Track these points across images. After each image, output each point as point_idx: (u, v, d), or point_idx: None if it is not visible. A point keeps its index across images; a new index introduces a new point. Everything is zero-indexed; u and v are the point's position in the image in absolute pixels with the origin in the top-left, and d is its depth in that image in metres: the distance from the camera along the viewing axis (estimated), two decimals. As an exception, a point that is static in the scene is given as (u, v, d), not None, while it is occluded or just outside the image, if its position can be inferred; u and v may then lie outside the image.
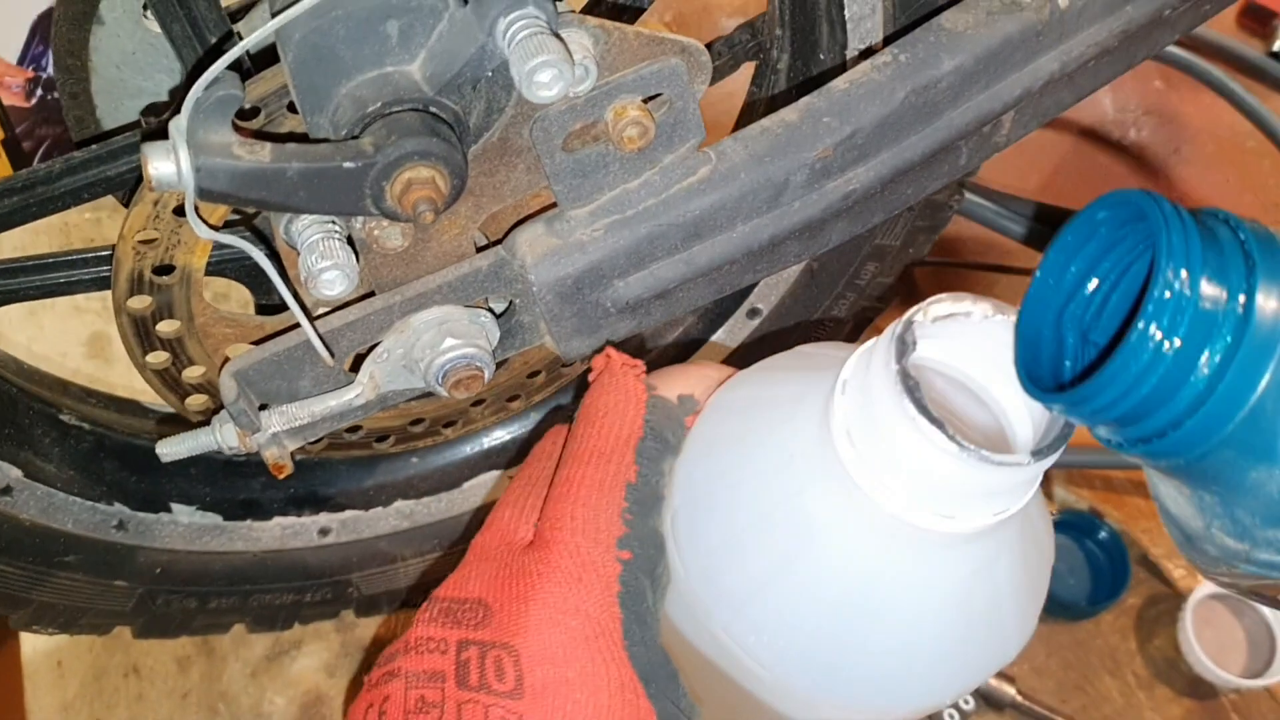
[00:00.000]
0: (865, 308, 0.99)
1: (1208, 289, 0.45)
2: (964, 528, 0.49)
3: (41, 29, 1.31)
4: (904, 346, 0.48)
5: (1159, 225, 0.46)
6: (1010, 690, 1.08)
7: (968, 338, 0.52)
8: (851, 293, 0.96)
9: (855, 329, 1.02)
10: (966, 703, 1.06)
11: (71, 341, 1.17)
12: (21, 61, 1.31)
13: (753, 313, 0.95)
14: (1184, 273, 0.45)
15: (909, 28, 0.73)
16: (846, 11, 0.77)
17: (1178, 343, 0.44)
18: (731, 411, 0.59)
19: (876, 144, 0.69)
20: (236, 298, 0.88)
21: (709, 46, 0.97)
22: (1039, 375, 0.50)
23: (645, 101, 0.62)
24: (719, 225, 0.67)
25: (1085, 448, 1.23)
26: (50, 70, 1.30)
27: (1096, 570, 1.15)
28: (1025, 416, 0.53)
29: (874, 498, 0.49)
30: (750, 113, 0.94)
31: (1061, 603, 1.13)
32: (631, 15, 0.74)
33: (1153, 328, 0.44)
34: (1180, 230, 0.46)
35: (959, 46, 0.68)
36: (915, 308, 0.50)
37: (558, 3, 0.62)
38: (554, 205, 0.67)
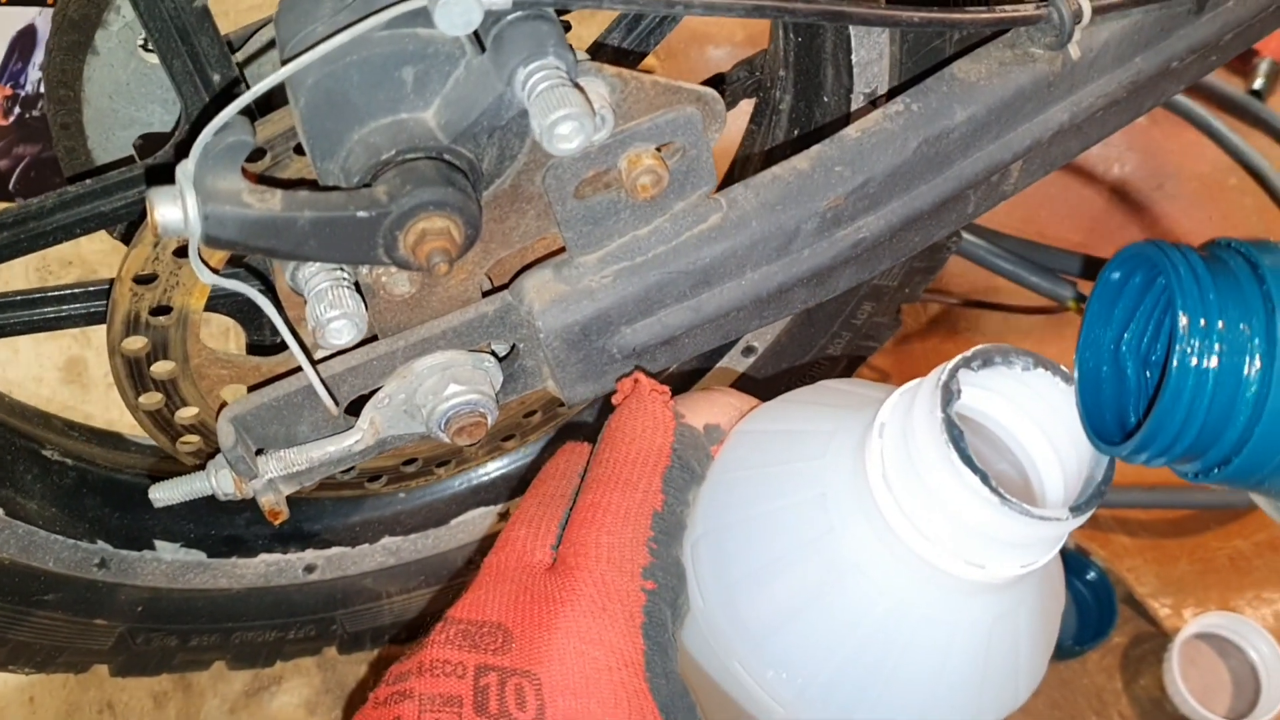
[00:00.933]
0: (860, 346, 0.99)
1: (1230, 320, 0.48)
2: (993, 577, 0.49)
3: (21, 45, 1.28)
4: (949, 394, 0.48)
5: (1169, 273, 0.49)
6: (996, 731, 1.07)
7: (1005, 387, 0.52)
8: (847, 332, 0.96)
9: (849, 367, 1.01)
10: (953, 743, 1.06)
11: (47, 366, 1.15)
12: (4, 79, 1.29)
13: (748, 350, 0.94)
14: (1202, 318, 0.47)
15: (917, 75, 0.73)
16: (854, 56, 0.76)
17: (1213, 362, 0.47)
18: (759, 443, 0.58)
19: (888, 193, 0.68)
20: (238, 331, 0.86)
21: (707, 84, 0.97)
22: (1105, 430, 0.51)
23: (658, 149, 0.62)
24: (728, 273, 0.66)
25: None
26: (29, 87, 1.28)
27: (1083, 609, 1.15)
28: (1057, 472, 0.53)
29: (908, 542, 0.49)
30: (748, 149, 0.93)
31: (1048, 642, 1.13)
32: (635, 59, 0.73)
33: (1188, 361, 0.47)
34: (1190, 274, 0.48)
35: (972, 97, 0.67)
36: (961, 356, 0.50)
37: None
38: (560, 250, 0.66)
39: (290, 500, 0.91)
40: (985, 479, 0.46)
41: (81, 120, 0.76)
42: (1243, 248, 0.50)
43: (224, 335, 1.03)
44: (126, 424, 0.80)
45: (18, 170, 1.31)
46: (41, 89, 1.25)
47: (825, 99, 0.81)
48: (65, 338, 1.17)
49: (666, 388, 0.61)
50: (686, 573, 0.56)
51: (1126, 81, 0.72)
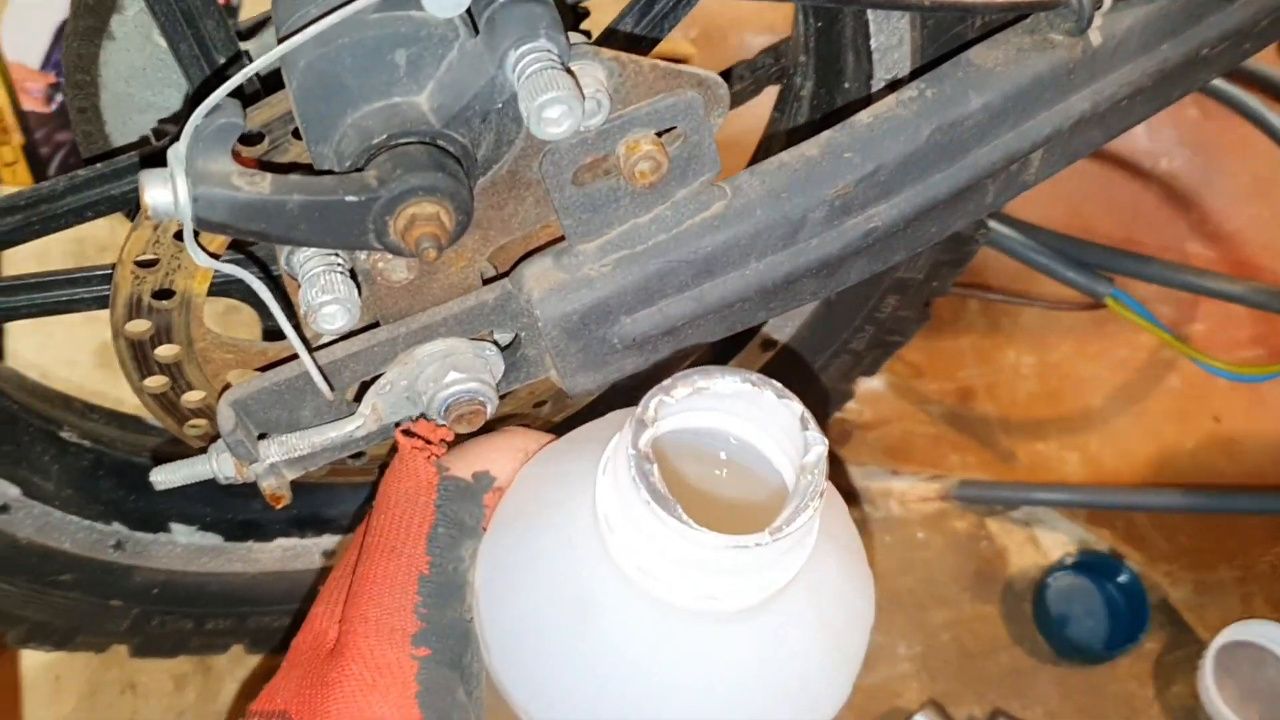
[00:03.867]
0: (885, 341, 0.97)
1: None
2: (733, 605, 0.48)
3: (63, 35, 1.30)
4: (641, 427, 0.47)
5: None
6: (1023, 734, 1.05)
7: (735, 406, 0.51)
8: (871, 325, 0.94)
9: (873, 363, 1.00)
10: (977, 746, 1.04)
11: (81, 351, 1.16)
12: (43, 66, 1.30)
13: (767, 344, 0.93)
14: None
15: (938, 59, 0.71)
16: (872, 41, 0.75)
17: None
18: (525, 488, 0.58)
19: (900, 181, 0.66)
20: (248, 315, 0.87)
21: (731, 70, 0.95)
22: None
23: (660, 135, 0.61)
24: (732, 262, 0.65)
25: (1105, 487, 1.20)
26: (69, 74, 1.29)
27: (1114, 613, 1.12)
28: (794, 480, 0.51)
29: (638, 582, 0.48)
30: (771, 138, 0.92)
31: (1077, 646, 1.10)
32: (649, 45, 0.72)
33: None
34: None
35: (988, 84, 0.66)
36: (658, 387, 0.49)
37: (577, 33, 0.60)
38: (564, 237, 0.65)
39: (307, 485, 0.92)
40: (671, 509, 0.44)
41: (99, 105, 0.77)
42: None
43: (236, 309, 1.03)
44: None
45: (59, 156, 1.33)
46: (82, 76, 1.26)
47: (846, 85, 0.79)
48: (98, 322, 1.18)
49: (440, 436, 0.60)
50: (478, 622, 0.55)
51: (1152, 69, 0.70)
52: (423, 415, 0.66)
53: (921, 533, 1.17)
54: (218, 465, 0.66)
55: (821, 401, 1.01)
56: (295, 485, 0.91)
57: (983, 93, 0.65)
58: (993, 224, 1.09)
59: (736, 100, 0.95)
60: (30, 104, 1.29)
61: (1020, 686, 1.09)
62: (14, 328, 1.16)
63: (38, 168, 1.31)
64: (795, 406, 0.49)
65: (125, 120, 0.78)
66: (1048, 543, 1.16)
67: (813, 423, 0.49)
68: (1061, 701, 1.09)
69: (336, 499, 0.93)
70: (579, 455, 0.54)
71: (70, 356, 1.15)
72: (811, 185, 0.65)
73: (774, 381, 0.49)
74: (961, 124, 0.65)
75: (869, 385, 1.24)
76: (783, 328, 0.92)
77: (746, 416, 0.51)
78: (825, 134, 0.66)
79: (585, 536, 0.50)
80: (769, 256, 0.66)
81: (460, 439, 0.64)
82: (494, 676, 0.53)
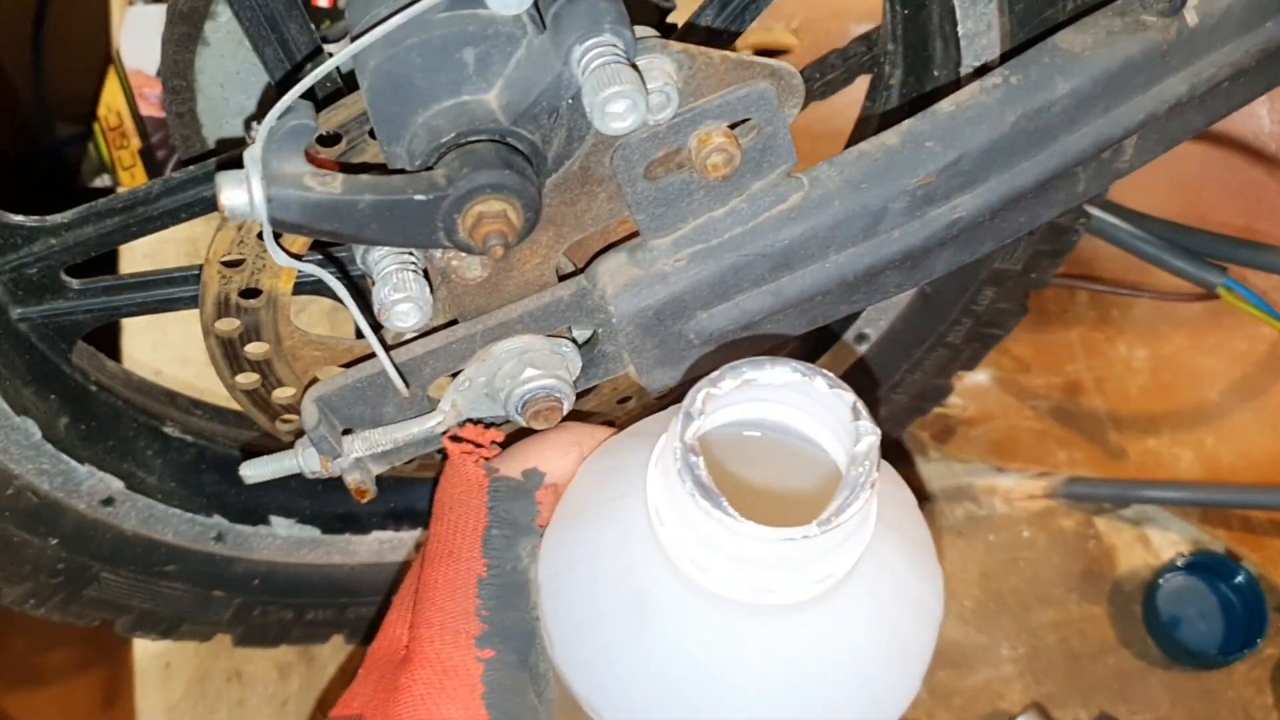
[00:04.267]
0: (983, 334, 0.95)
1: None
2: (789, 598, 0.47)
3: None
4: (687, 420, 0.46)
5: None
6: (1131, 740, 1.02)
7: (786, 396, 0.50)
8: (968, 318, 0.92)
9: (972, 356, 0.97)
10: (1082, 751, 1.01)
11: (194, 348, 1.19)
12: (160, 73, 1.35)
13: (860, 338, 0.91)
14: None
15: (1027, 45, 0.69)
16: (960, 28, 0.73)
17: None
18: (583, 484, 0.58)
19: (984, 170, 0.65)
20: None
21: (825, 58, 0.94)
22: None
23: (733, 127, 0.60)
24: (810, 255, 0.64)
25: (1221, 485, 1.15)
26: (185, 81, 1.34)
27: (1230, 617, 1.08)
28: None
29: (691, 576, 0.47)
30: (863, 128, 0.90)
31: (1190, 650, 1.06)
32: (729, 39, 0.71)
33: None
34: None
35: (1075, 69, 0.63)
36: (704, 379, 0.48)
37: (645, 27, 0.60)
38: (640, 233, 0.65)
39: (401, 480, 0.93)
40: (716, 501, 0.44)
41: (195, 110, 0.79)
42: None
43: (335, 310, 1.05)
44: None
45: (174, 160, 1.37)
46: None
47: (935, 72, 0.77)
48: (210, 320, 1.22)
49: (490, 437, 0.60)
50: (542, 618, 0.55)
51: (1255, 49, 0.67)
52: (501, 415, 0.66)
53: (1027, 531, 1.14)
54: (303, 460, 0.67)
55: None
56: (389, 480, 0.94)
57: (1070, 78, 0.63)
58: (1097, 212, 1.06)
59: (829, 89, 0.94)
60: (148, 109, 1.34)
61: (1128, 690, 1.06)
62: (131, 329, 1.20)
63: (154, 171, 1.36)
64: (847, 396, 0.48)
65: (221, 124, 0.80)
66: (1159, 542, 1.12)
67: (865, 412, 0.48)
68: (1172, 707, 1.05)
69: (430, 492, 0.94)
70: (635, 449, 0.54)
71: (183, 355, 1.19)
72: (892, 175, 0.63)
73: (825, 371, 0.48)
74: (1048, 110, 0.63)
75: (973, 380, 1.21)
76: (877, 321, 0.91)
77: (798, 407, 0.51)
78: (906, 123, 0.64)
79: (640, 531, 0.50)
80: (849, 249, 0.65)
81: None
82: (559, 672, 0.53)
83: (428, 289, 0.59)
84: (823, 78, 0.93)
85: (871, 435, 0.47)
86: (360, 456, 0.67)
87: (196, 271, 0.74)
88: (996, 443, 1.18)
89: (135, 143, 1.35)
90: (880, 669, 0.52)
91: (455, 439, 0.62)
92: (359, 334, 0.76)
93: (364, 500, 0.69)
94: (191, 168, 0.69)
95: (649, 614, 0.50)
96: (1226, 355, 1.23)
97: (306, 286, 0.73)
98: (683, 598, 0.49)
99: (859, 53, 0.92)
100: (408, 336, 0.65)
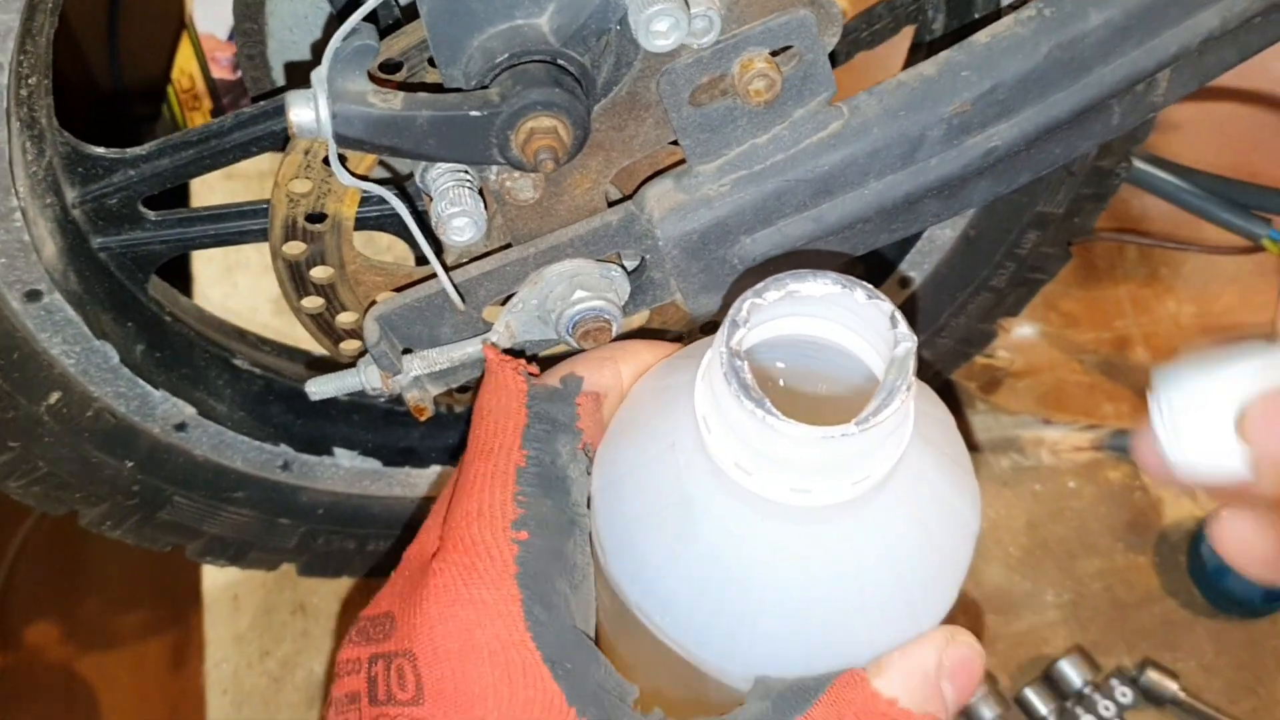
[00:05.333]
0: (1027, 278, 0.96)
1: None
2: (824, 500, 0.49)
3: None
4: (734, 328, 0.49)
5: None
6: (1173, 686, 1.03)
7: (824, 310, 0.52)
8: (1012, 262, 0.94)
9: (1017, 301, 0.99)
10: (1124, 695, 1.02)
11: (261, 298, 1.24)
12: (231, 38, 1.40)
13: (904, 281, 0.93)
14: None
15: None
16: (1000, -32, 0.75)
17: None
18: (640, 396, 0.60)
19: (1019, 100, 0.67)
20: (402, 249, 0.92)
21: (871, 9, 0.96)
22: None
23: (774, 55, 0.62)
24: (850, 182, 0.66)
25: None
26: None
27: (1276, 566, 1.08)
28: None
29: (734, 478, 0.49)
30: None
31: (1234, 598, 1.07)
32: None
33: None
34: None
35: (1108, 1, 0.65)
36: (749, 290, 0.50)
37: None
38: (686, 160, 0.68)
39: (464, 417, 0.97)
40: (760, 403, 0.46)
41: (265, 53, 0.83)
42: None
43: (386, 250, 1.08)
44: (317, 348, 0.86)
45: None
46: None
47: (976, 15, 0.79)
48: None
49: (522, 360, 0.62)
50: (594, 525, 0.57)
51: (1291, -18, 0.68)
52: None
53: (1073, 482, 1.15)
54: (365, 377, 0.71)
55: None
56: (447, 416, 0.97)
57: (1103, 9, 0.65)
58: (1141, 164, 1.07)
59: (876, 39, 0.96)
60: (219, 73, 1.39)
61: (1173, 638, 1.07)
62: (203, 276, 1.25)
63: (225, 132, 1.40)
64: (885, 306, 0.50)
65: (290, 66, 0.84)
66: (1204, 494, 1.12)
67: (902, 321, 0.50)
68: (1216, 656, 1.06)
69: (486, 430, 0.98)
70: (684, 369, 0.56)
71: (252, 304, 1.24)
72: (929, 103, 0.65)
73: (864, 283, 0.51)
74: (1081, 41, 0.65)
75: (1021, 333, 1.23)
76: (920, 264, 0.93)
77: (837, 320, 0.53)
78: (943, 54, 0.66)
79: (687, 441, 0.52)
80: (888, 176, 0.67)
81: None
82: (613, 584, 0.56)
83: (482, 206, 0.62)
84: (870, 27, 0.95)
85: (908, 341, 0.49)
86: (418, 375, 0.70)
87: (266, 205, 0.78)
88: (1044, 395, 1.19)
89: (207, 104, 1.40)
90: (916, 575, 0.54)
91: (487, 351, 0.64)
92: (418, 261, 0.80)
93: (422, 419, 0.72)
94: (262, 103, 0.73)
95: (694, 518, 0.52)
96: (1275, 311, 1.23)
97: (369, 222, 0.77)
98: (726, 502, 0.51)
99: (905, 3, 0.94)
100: (464, 261, 0.69)
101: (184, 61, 1.40)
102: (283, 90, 0.84)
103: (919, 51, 0.87)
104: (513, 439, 0.57)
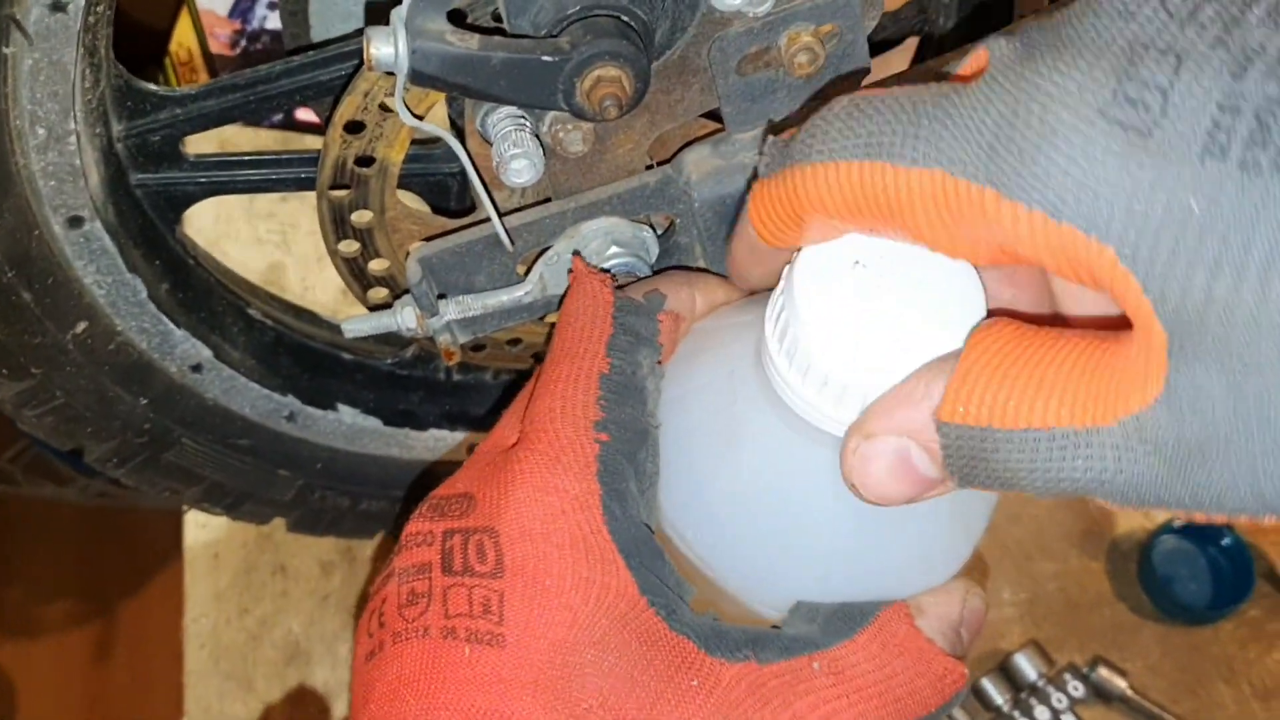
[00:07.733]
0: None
1: None
2: None
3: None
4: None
5: None
6: (1122, 684, 1.08)
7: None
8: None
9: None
10: (1075, 689, 1.07)
11: (251, 271, 1.26)
12: (231, 14, 1.42)
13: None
14: None
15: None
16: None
17: None
18: (704, 330, 0.63)
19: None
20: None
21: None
22: None
23: (816, 31, 0.67)
24: (877, 159, 0.71)
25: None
26: (255, 24, 1.41)
27: (1218, 577, 1.14)
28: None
29: (790, 404, 0.51)
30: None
31: (1180, 604, 1.13)
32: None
33: None
34: None
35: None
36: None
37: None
38: (720, 130, 0.72)
39: (461, 385, 1.00)
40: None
41: (307, 10, 0.86)
42: None
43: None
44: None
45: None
46: (265, 26, 1.38)
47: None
48: (268, 245, 1.28)
49: (607, 275, 0.64)
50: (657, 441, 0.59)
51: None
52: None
53: (1031, 491, 1.20)
54: (401, 318, 0.73)
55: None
56: (446, 384, 1.00)
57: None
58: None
59: (877, 49, 1.01)
60: (218, 48, 1.41)
61: (1122, 640, 1.12)
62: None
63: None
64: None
65: (328, 27, 0.86)
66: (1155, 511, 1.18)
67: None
68: (1162, 658, 1.11)
69: (483, 399, 1.01)
70: (752, 308, 0.59)
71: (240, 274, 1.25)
72: (953, 91, 0.70)
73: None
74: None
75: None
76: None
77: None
78: (966, 47, 0.71)
79: (744, 367, 0.55)
80: (909, 157, 0.71)
81: None
82: (661, 496, 0.58)
83: (541, 150, 0.66)
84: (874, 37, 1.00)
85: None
86: (452, 320, 0.73)
87: (304, 154, 0.81)
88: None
89: (203, 78, 1.41)
90: (939, 523, 0.56)
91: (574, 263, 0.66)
92: (455, 214, 0.83)
93: (451, 362, 0.75)
94: (311, 52, 0.76)
95: (740, 439, 0.55)
96: None
97: (414, 182, 0.80)
98: (774, 426, 0.53)
99: (908, 15, 1.00)
100: (509, 207, 0.72)
101: (182, 34, 1.42)
102: (325, 43, 0.87)
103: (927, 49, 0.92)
104: (598, 346, 0.59)
